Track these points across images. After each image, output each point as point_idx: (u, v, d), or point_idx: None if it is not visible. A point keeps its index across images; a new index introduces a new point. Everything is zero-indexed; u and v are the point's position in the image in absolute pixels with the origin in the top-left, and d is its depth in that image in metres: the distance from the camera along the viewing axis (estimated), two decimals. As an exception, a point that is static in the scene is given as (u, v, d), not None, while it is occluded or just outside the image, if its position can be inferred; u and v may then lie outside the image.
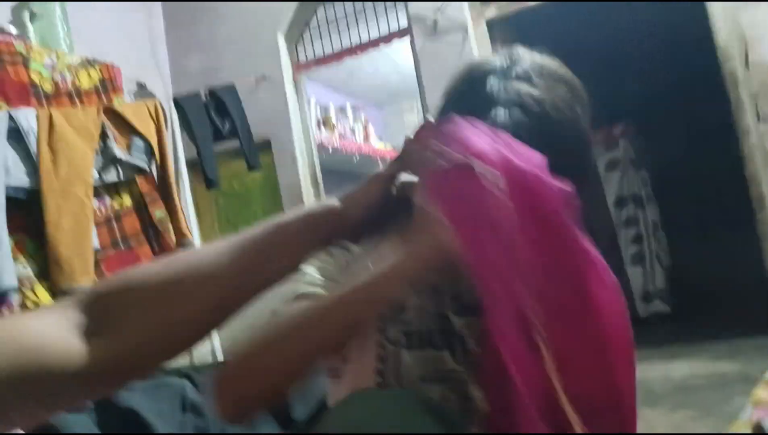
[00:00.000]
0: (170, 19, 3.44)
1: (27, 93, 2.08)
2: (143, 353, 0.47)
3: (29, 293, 1.89)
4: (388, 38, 3.18)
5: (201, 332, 0.50)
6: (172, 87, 3.35)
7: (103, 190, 2.23)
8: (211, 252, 0.51)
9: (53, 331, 0.44)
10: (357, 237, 0.55)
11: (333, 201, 0.54)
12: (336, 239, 0.54)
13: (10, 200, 1.89)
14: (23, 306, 1.83)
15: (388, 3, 3.13)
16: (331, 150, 3.81)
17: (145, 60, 3.25)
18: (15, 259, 1.87)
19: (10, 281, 1.80)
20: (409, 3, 3.01)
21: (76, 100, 2.24)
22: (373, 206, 0.53)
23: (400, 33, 3.12)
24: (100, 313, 0.46)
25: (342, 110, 4.50)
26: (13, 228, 1.88)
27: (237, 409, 0.49)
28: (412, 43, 3.02)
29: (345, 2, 3.26)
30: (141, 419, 0.54)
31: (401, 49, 3.35)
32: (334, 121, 4.10)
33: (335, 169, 3.85)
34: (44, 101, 2.13)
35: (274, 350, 0.49)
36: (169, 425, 0.57)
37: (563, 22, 3.29)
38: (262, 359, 0.49)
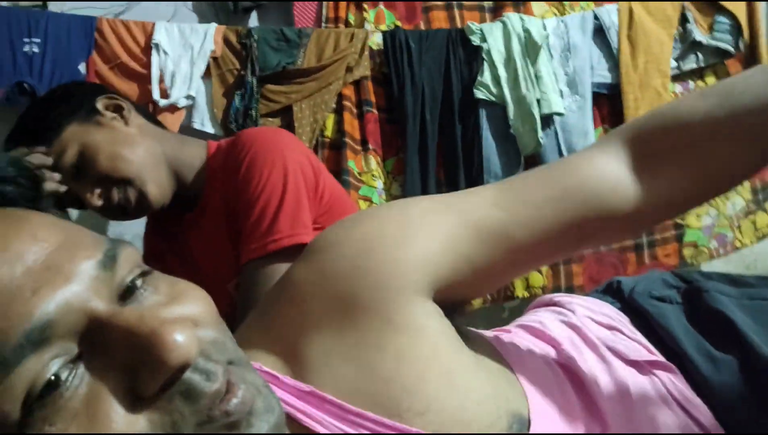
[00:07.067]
0: None
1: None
2: (685, 194, 0.46)
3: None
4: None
5: (743, 172, 0.46)
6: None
7: (687, 74, 2.11)
8: (759, 81, 0.44)
9: (608, 174, 0.44)
10: None
11: None
12: None
13: (596, 95, 2.06)
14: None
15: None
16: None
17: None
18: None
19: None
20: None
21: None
22: None
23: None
24: (642, 150, 0.45)
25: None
26: (599, 122, 2.06)
27: None
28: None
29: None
30: (736, 330, 0.48)
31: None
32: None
33: None
34: (626, -7, 2.05)
35: None
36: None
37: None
38: None
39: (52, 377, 0.27)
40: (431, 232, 0.43)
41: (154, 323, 0.28)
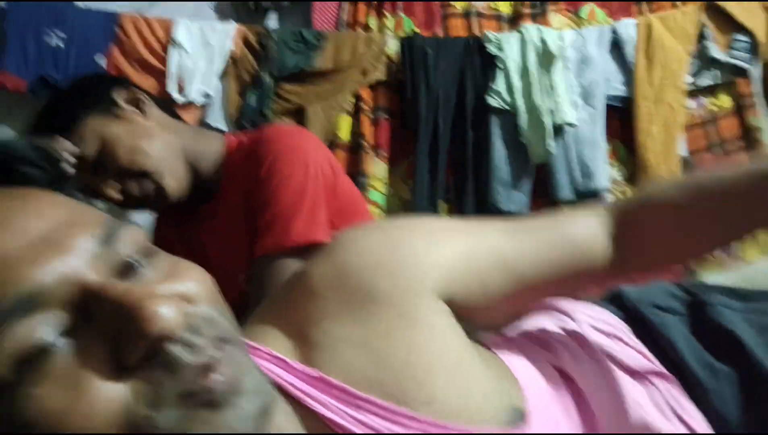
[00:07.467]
0: None
1: (629, 3, 2.18)
2: (653, 265, 0.54)
3: (618, 195, 2.07)
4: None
5: (710, 249, 0.55)
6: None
7: (699, 91, 2.13)
8: (733, 175, 0.50)
9: (595, 231, 0.51)
10: None
11: None
12: None
13: (608, 108, 2.07)
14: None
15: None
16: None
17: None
18: (610, 163, 2.09)
19: (604, 183, 2.04)
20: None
21: (678, 2, 2.15)
22: None
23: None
24: (623, 223, 0.52)
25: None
26: (610, 134, 2.08)
27: None
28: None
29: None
30: (739, 344, 0.52)
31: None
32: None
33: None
34: (646, 7, 2.17)
35: None
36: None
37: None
38: None
39: (42, 342, 0.27)
40: (451, 243, 0.45)
41: (139, 295, 0.29)
